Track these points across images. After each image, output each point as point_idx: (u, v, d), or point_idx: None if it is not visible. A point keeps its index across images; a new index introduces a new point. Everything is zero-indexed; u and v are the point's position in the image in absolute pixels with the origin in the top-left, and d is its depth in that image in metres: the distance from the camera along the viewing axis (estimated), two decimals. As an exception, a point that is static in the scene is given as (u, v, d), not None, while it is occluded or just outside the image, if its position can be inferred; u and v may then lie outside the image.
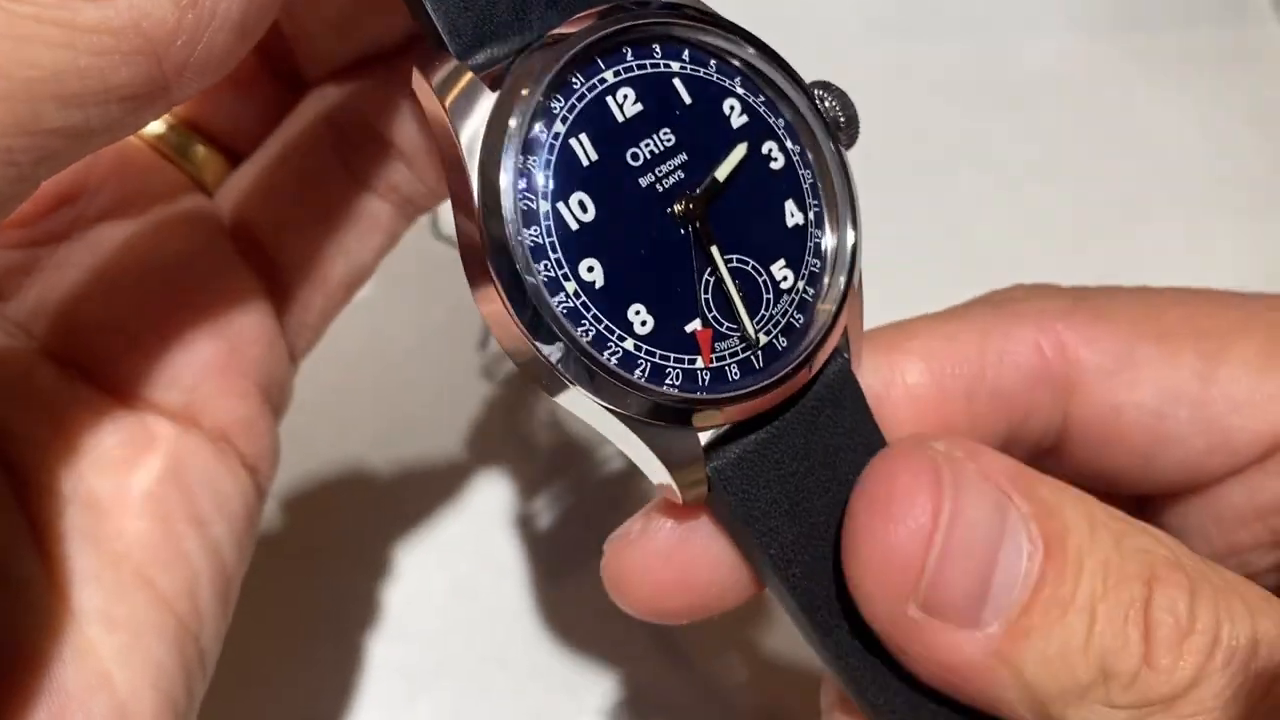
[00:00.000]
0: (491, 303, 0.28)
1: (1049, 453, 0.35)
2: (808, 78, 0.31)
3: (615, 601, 0.32)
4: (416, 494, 0.50)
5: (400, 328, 0.44)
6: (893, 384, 0.33)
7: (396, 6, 0.29)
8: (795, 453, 0.30)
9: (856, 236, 0.31)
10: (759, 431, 0.30)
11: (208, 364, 0.34)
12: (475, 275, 0.28)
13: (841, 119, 0.31)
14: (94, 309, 0.34)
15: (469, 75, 0.28)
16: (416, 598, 0.48)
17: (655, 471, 0.29)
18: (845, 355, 0.31)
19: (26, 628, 0.30)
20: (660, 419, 0.29)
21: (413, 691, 0.46)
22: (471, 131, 0.28)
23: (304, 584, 0.46)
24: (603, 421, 0.29)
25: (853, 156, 0.32)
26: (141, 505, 0.32)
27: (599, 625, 0.48)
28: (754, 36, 0.31)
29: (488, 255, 0.27)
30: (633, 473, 0.48)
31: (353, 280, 0.38)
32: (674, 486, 0.30)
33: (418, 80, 0.29)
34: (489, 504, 0.50)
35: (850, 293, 0.31)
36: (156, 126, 0.37)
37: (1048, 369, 0.33)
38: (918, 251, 0.57)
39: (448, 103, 0.28)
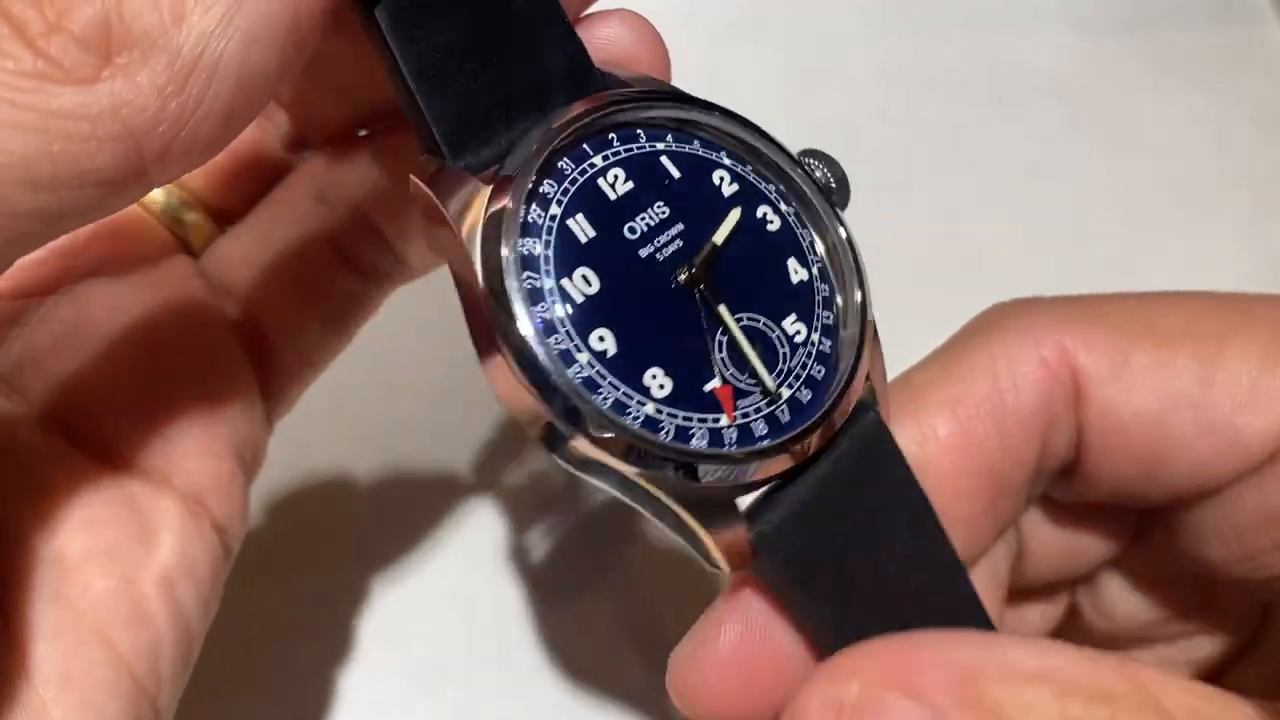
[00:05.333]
0: (504, 379, 0.28)
1: (1073, 470, 0.34)
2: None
3: (684, 715, 0.32)
4: (412, 496, 0.50)
5: (394, 326, 0.44)
6: (926, 441, 0.33)
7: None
8: (836, 511, 0.30)
9: (864, 289, 0.31)
10: (795, 491, 0.30)
11: (185, 425, 0.34)
12: (486, 351, 0.28)
13: (833, 183, 0.32)
14: (74, 366, 0.33)
15: (463, 174, 0.29)
16: (413, 601, 0.48)
17: (697, 541, 0.29)
18: (874, 409, 0.31)
19: None
20: (691, 482, 0.28)
21: (409, 695, 0.46)
22: (470, 223, 0.28)
23: (301, 586, 0.46)
24: (633, 493, 0.29)
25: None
26: (107, 564, 0.32)
27: (598, 626, 0.47)
28: (739, 115, 0.31)
29: (497, 334, 0.28)
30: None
31: (333, 352, 0.38)
32: (715, 554, 0.29)
33: (416, 187, 0.30)
34: (486, 506, 0.50)
35: (866, 341, 0.31)
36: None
37: (1056, 377, 0.33)
38: (917, 252, 0.57)
39: (449, 206, 0.29)
